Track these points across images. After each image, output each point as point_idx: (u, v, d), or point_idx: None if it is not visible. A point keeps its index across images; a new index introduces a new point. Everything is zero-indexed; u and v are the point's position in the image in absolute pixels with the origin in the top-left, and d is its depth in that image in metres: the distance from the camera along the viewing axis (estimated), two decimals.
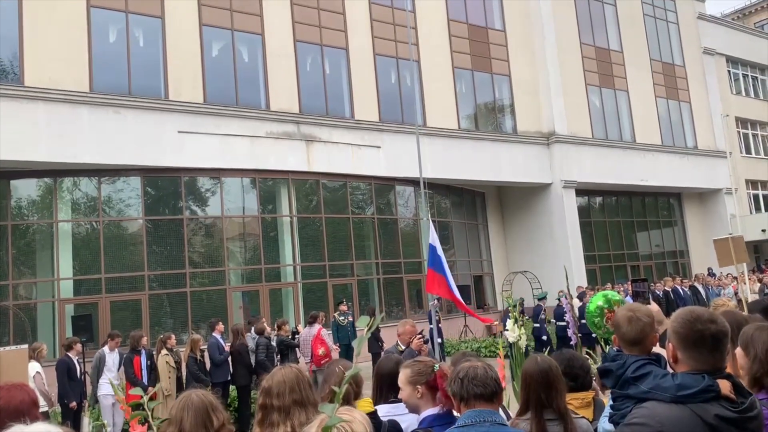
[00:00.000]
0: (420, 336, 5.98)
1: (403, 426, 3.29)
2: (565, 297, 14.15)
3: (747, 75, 32.88)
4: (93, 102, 14.76)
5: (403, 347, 6.10)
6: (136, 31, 15.97)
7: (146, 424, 2.91)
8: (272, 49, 17.76)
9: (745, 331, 2.70)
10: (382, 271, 19.29)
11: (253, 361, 11.12)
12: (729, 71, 31.53)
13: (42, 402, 8.70)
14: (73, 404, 9.40)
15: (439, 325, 14.56)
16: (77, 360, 9.91)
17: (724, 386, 2.13)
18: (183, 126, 15.83)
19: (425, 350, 6.25)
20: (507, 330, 5.80)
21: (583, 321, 14.09)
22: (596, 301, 4.87)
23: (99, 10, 15.38)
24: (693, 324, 2.19)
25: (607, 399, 3.17)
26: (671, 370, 2.32)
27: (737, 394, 2.15)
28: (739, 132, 31.04)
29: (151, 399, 7.98)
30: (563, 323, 14.33)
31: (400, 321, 6.55)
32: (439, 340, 11.30)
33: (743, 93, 32.30)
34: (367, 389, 3.62)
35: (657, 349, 2.82)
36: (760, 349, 2.57)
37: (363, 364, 3.11)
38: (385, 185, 19.92)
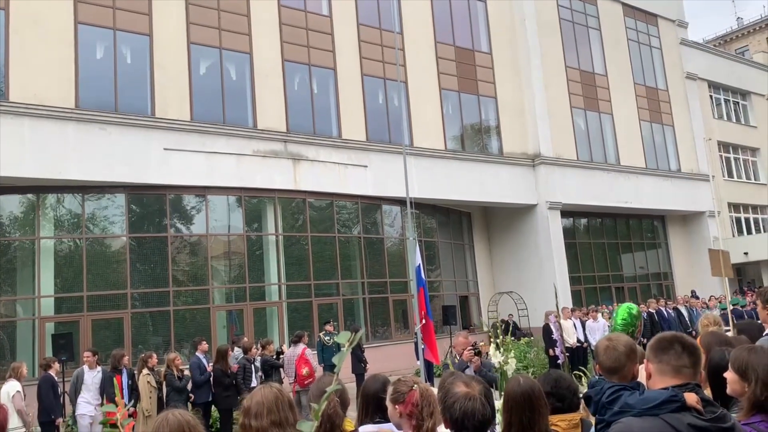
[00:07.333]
0: (471, 348, 6.03)
1: None
2: (554, 316, 14.13)
3: (729, 100, 33.42)
4: (79, 118, 14.68)
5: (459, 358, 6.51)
6: (123, 49, 15.95)
7: None
8: (260, 68, 17.80)
9: (738, 356, 2.65)
10: (368, 290, 19.21)
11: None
12: (711, 96, 32.03)
13: (17, 423, 8.51)
14: (59, 420, 9.61)
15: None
16: (57, 379, 9.95)
17: (690, 398, 2.20)
18: (169, 143, 15.77)
19: (476, 362, 6.35)
20: (490, 354, 5.76)
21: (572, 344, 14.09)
22: (620, 316, 4.78)
23: (87, 27, 15.36)
24: (664, 334, 2.39)
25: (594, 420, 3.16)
26: None
27: (705, 406, 2.20)
28: (721, 156, 31.47)
29: (131, 416, 7.84)
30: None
31: (456, 333, 6.96)
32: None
33: (725, 117, 32.80)
34: (352, 410, 3.58)
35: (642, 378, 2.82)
36: (762, 372, 2.53)
37: (346, 385, 3.07)
38: (371, 205, 19.92)
